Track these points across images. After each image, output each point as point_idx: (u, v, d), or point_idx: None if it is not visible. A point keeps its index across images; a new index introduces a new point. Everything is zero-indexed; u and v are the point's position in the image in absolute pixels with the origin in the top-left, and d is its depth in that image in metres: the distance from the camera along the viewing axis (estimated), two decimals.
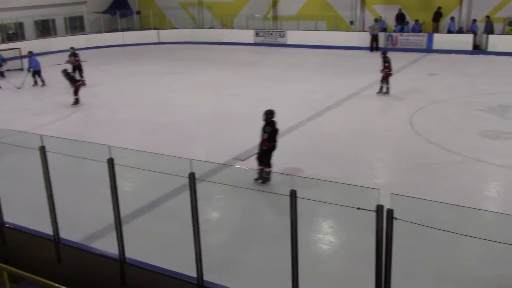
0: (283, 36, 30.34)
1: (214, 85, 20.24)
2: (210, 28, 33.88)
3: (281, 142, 12.85)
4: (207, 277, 5.86)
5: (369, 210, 4.66)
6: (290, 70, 22.93)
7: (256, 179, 9.81)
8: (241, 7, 33.10)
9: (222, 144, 12.67)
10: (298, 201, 5.01)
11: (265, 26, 31.76)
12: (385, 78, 17.10)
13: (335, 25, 29.61)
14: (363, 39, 27.58)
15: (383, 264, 4.80)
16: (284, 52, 28.61)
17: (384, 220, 4.64)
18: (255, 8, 32.40)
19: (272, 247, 7.59)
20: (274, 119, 9.77)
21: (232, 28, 32.84)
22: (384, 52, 17.59)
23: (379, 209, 4.64)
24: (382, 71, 17.07)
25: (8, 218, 7.49)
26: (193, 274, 5.90)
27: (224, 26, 33.45)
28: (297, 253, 5.18)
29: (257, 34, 31.19)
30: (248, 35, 31.29)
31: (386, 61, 16.98)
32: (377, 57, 17.20)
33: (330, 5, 30.05)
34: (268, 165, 9.83)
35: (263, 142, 9.71)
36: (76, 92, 17.37)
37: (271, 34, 30.85)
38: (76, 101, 17.37)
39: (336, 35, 28.86)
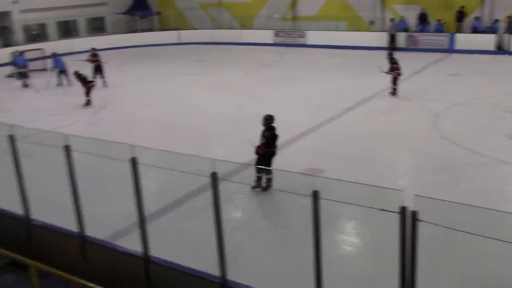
0: (303, 36, 30.30)
1: (233, 85, 20.31)
2: (229, 28, 33.98)
3: (301, 143, 12.95)
4: (230, 276, 5.90)
5: (393, 212, 4.64)
6: (310, 71, 22.90)
7: (254, 188, 9.53)
8: (260, 7, 33.14)
9: (240, 145, 12.68)
10: (321, 201, 5.02)
11: (284, 27, 31.74)
12: (395, 79, 16.93)
13: (355, 26, 29.47)
14: (383, 39, 27.40)
15: (407, 266, 4.78)
16: (304, 52, 28.57)
17: (408, 222, 4.62)
18: (274, 8, 32.39)
19: (295, 247, 7.60)
20: (274, 124, 9.60)
21: (252, 29, 32.90)
22: (390, 53, 17.43)
23: (403, 210, 4.62)
24: (389, 72, 16.90)
25: (35, 215, 7.62)
26: (216, 273, 5.95)
27: (243, 26, 33.52)
28: (320, 254, 5.19)
29: (276, 35, 31.20)
30: (267, 36, 31.31)
31: (393, 62, 16.82)
32: (396, 57, 17.06)
33: (349, 5, 29.90)
34: (268, 172, 9.51)
35: (260, 147, 9.46)
36: (87, 93, 17.58)
37: (291, 34, 30.83)
38: (88, 102, 17.58)
39: (356, 35, 28.72)
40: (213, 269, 6.00)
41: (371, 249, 7.86)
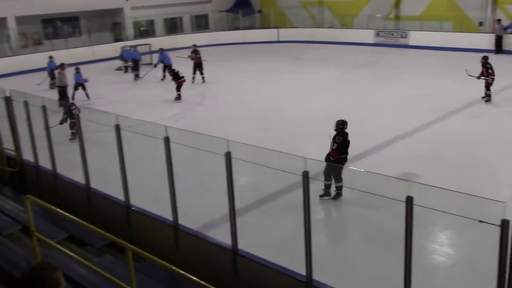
0: (405, 36, 29.32)
1: (330, 84, 20.14)
2: (329, 27, 33.71)
3: (397, 146, 12.57)
4: (316, 276, 5.87)
5: (493, 225, 4.38)
6: (410, 72, 22.11)
7: (322, 196, 9.17)
8: (362, 6, 32.52)
9: None
10: (414, 208, 4.85)
11: (386, 26, 30.90)
12: (489, 85, 15.81)
13: (462, 26, 28.01)
14: (492, 41, 25.80)
15: (506, 282, 4.49)
16: (405, 53, 27.66)
17: (510, 236, 4.34)
18: (377, 7, 31.63)
19: (384, 252, 7.42)
20: (346, 130, 9.32)
21: (352, 28, 32.38)
22: (485, 57, 16.20)
23: (505, 224, 4.34)
24: (482, 77, 15.79)
25: (134, 201, 8.06)
26: (302, 271, 5.95)
27: (343, 25, 33.09)
28: (411, 261, 5.02)
29: (377, 34, 30.46)
30: (368, 35, 30.65)
31: (488, 67, 15.67)
32: (502, 60, 15.95)
33: (457, 5, 28.46)
34: (338, 179, 9.15)
35: (331, 153, 9.13)
36: (178, 88, 18.20)
37: (392, 34, 29.93)
38: (178, 97, 18.20)
39: (462, 36, 27.26)
40: (298, 267, 6.00)
41: (466, 261, 7.47)
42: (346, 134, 9.33)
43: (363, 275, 7.02)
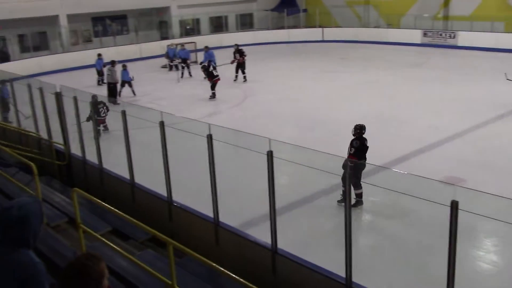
0: (454, 37, 28.58)
1: (374, 85, 19.86)
2: (375, 27, 33.24)
3: (443, 149, 12.28)
4: (355, 279, 5.81)
5: None
6: (458, 74, 21.55)
7: (340, 202, 8.91)
8: (409, 6, 31.90)
9: (379, 146, 12.38)
10: (459, 213, 4.72)
11: (434, 26, 30.20)
12: None
13: None
14: None
15: None
16: (453, 54, 26.98)
17: None
18: (425, 7, 30.96)
19: (425, 256, 7.27)
20: (364, 135, 9.10)
21: (399, 28, 31.80)
22: None
23: None
24: None
25: (176, 197, 8.18)
26: (341, 273, 5.89)
27: (390, 25, 32.55)
28: (454, 267, 4.90)
29: (424, 35, 29.81)
30: (415, 35, 30.04)
31: None
32: None
33: (509, 5, 27.49)
34: (357, 186, 8.77)
35: (349, 157, 8.79)
36: (213, 87, 18.29)
37: (440, 34, 29.24)
38: (213, 96, 18.31)
39: None
40: (338, 269, 5.94)
41: None
42: (365, 139, 9.16)
43: (405, 281, 6.90)
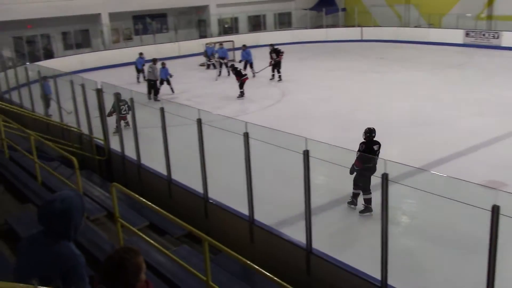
0: (497, 37, 27.77)
1: (413, 85, 19.53)
2: (415, 26, 32.64)
3: (484, 152, 11.96)
4: (391, 281, 5.74)
5: None
6: (501, 75, 20.95)
7: (349, 203, 9.02)
8: (451, 5, 31.19)
9: (416, 148, 12.21)
10: (501, 218, 4.61)
11: (477, 26, 29.44)
12: None
13: None
14: None
15: None
16: (497, 55, 26.23)
17: None
18: (468, 6, 30.19)
19: (464, 260, 7.12)
20: (375, 139, 8.91)
21: (440, 28, 31.14)
22: None
23: None
24: None
25: (211, 194, 8.25)
26: (376, 275, 5.83)
27: (431, 25, 31.90)
28: (494, 273, 4.78)
29: (467, 35, 29.08)
30: (456, 35, 29.34)
31: None
32: None
33: None
34: (366, 191, 8.68)
35: (355, 162, 8.60)
36: (241, 86, 18.31)
37: (484, 35, 28.46)
38: (241, 94, 18.34)
39: None
40: (373, 271, 5.88)
41: None
42: (375, 142, 8.93)
43: (441, 286, 6.77)
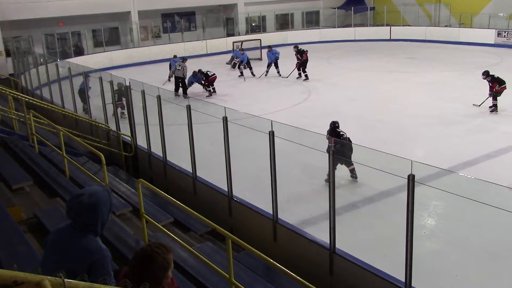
0: None
1: (442, 86, 19.23)
2: (446, 26, 32.12)
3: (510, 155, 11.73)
4: (415, 283, 5.68)
5: None
6: None
7: (326, 181, 8.74)
8: (484, 4, 30.60)
9: (443, 149, 12.03)
10: None
11: (510, 26, 28.79)
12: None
13: None
14: None
15: None
16: None
17: None
18: (501, 5, 29.54)
19: (490, 265, 6.99)
20: (339, 129, 10.14)
21: (471, 27, 30.56)
22: None
23: None
24: None
25: (236, 192, 8.28)
26: (400, 277, 5.77)
27: (462, 24, 31.32)
28: None
29: (498, 35, 28.48)
30: (488, 35, 28.77)
31: None
32: None
33: None
34: (349, 164, 9.59)
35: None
36: (210, 85, 19.02)
37: None
38: (210, 93, 18.97)
39: None
40: (396, 273, 5.83)
41: None
42: (338, 132, 10.14)
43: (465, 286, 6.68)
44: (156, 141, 10.36)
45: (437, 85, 19.47)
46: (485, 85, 19.17)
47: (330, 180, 6.46)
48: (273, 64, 22.23)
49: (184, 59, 19.69)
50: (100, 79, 12.28)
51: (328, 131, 10.27)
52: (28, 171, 8.11)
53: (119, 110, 13.20)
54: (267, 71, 22.49)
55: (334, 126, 10.41)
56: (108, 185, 7.49)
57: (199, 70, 19.46)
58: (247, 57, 23.16)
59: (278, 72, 22.14)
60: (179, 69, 19.19)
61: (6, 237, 5.29)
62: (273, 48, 22.40)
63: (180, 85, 19.11)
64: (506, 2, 29.35)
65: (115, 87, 12.55)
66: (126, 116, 12.09)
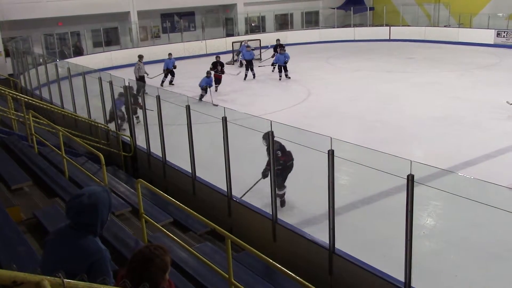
0: None
1: (441, 86, 19.23)
2: (445, 26, 32.12)
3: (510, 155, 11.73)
4: (414, 283, 5.67)
5: None
6: None
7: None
8: (483, 5, 30.59)
9: (443, 149, 12.03)
10: None
11: (509, 26, 28.80)
12: None
13: None
14: None
15: None
16: None
17: None
18: (500, 6, 29.54)
19: (489, 265, 6.99)
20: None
21: (470, 27, 30.56)
22: None
23: None
24: None
25: (235, 192, 8.28)
26: (399, 277, 5.77)
27: (461, 24, 31.33)
28: None
29: (498, 35, 28.48)
30: (487, 36, 28.76)
31: None
32: None
33: None
34: (280, 187, 8.91)
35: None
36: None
37: None
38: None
39: None
40: (395, 272, 5.83)
41: None
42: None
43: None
44: (155, 141, 10.35)
45: (436, 85, 19.48)
46: (485, 85, 19.25)
47: (330, 180, 6.46)
48: (279, 66, 22.08)
49: (140, 56, 20.21)
50: (100, 79, 12.27)
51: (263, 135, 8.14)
52: (27, 171, 8.10)
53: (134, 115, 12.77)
54: (273, 70, 22.51)
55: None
56: (107, 185, 7.49)
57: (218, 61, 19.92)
58: (253, 57, 23.17)
59: (286, 75, 21.89)
60: (138, 69, 19.56)
61: (5, 238, 5.29)
62: (286, 51, 21.97)
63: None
64: (505, 2, 29.36)
65: (121, 90, 12.03)
66: (140, 120, 11.91)
